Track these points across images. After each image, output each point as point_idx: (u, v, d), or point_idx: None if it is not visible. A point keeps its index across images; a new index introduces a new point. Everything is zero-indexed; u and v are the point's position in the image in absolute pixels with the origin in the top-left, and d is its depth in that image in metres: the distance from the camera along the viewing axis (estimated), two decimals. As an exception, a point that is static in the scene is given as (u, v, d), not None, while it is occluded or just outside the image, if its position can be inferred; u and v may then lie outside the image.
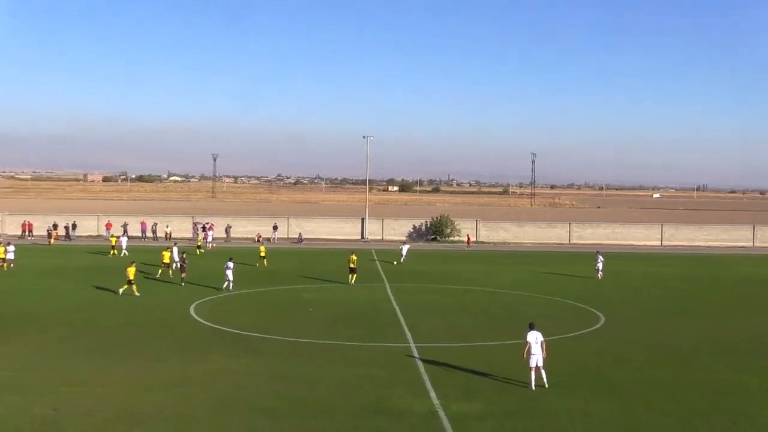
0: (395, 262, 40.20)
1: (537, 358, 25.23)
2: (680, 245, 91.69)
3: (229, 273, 47.11)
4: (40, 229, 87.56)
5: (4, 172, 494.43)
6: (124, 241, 71.78)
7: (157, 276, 52.42)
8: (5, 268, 56.23)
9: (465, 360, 29.59)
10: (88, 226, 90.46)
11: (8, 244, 60.25)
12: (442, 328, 36.06)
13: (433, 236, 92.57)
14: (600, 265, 56.78)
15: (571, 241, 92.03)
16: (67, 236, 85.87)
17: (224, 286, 46.97)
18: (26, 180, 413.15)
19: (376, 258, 68.43)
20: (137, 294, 43.24)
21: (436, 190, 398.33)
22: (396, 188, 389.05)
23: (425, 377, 26.78)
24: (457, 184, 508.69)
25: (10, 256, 57.64)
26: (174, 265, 54.52)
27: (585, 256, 67.78)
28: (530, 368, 25.26)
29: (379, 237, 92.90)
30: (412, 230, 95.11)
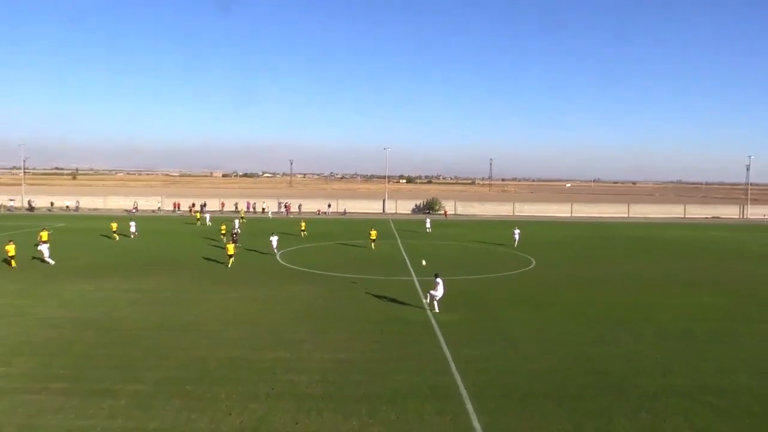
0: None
1: (440, 293, 24.25)
2: (582, 216, 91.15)
3: (274, 242, 41.81)
4: (183, 206, 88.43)
5: (159, 171, 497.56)
6: (207, 216, 68.99)
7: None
8: (131, 238, 50.07)
9: (448, 287, 29.80)
10: (214, 205, 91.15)
11: (131, 220, 54.86)
12: (431, 267, 36.21)
13: (427, 211, 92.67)
14: (516, 237, 48.15)
15: (515, 214, 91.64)
16: (202, 212, 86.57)
17: (274, 250, 41.40)
18: (175, 176, 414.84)
19: (392, 226, 68.68)
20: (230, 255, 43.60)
21: (429, 182, 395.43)
22: (404, 180, 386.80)
23: (422, 298, 27.03)
24: (443, 178, 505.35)
25: (132, 229, 51.22)
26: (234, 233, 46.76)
27: (524, 222, 67.53)
28: (434, 298, 24.30)
29: (394, 211, 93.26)
30: (414, 207, 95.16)
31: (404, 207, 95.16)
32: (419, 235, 56.30)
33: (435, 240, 52.74)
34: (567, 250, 47.16)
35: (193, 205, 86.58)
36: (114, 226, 51.09)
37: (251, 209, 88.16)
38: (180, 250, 43.69)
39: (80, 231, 56.72)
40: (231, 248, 36.45)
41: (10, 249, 34.98)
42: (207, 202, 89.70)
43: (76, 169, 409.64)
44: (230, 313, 23.65)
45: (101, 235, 51.75)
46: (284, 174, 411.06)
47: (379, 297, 27.27)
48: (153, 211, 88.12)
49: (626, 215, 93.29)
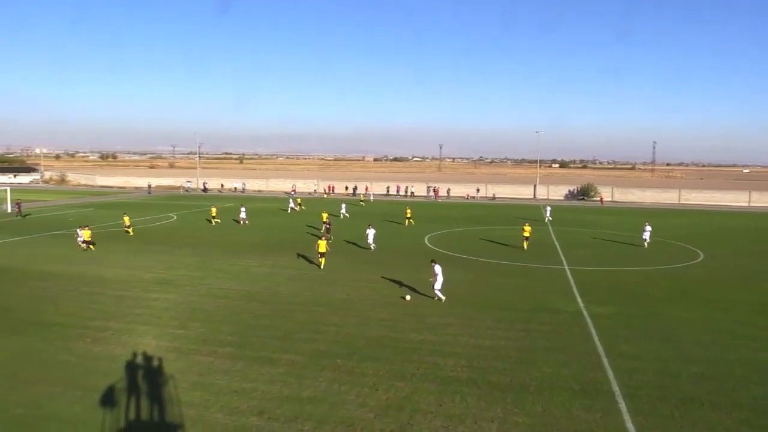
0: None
1: (439, 282, 23.21)
2: (762, 206, 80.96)
3: (370, 235, 36.34)
4: (339, 188, 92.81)
5: (315, 155, 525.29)
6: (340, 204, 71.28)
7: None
8: (241, 224, 47.94)
9: (601, 278, 28.30)
10: (364, 187, 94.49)
11: (242, 205, 52.96)
12: (585, 256, 34.57)
13: (581, 197, 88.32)
14: (647, 235, 39.07)
15: (680, 202, 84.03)
16: (354, 194, 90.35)
17: (370, 243, 36.19)
18: (329, 160, 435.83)
19: (543, 210, 66.42)
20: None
21: (584, 167, 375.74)
22: (557, 165, 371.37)
23: (574, 288, 25.94)
24: (599, 163, 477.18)
25: (243, 215, 49.07)
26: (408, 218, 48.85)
27: (691, 213, 61.72)
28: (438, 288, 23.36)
29: (545, 196, 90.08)
30: (567, 193, 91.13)
31: (557, 192, 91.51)
32: (571, 223, 53.71)
33: (588, 228, 50.12)
34: (741, 244, 42.41)
35: (346, 187, 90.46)
36: (213, 211, 53.20)
37: (403, 192, 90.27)
38: (350, 230, 45.95)
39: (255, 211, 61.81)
40: (323, 245, 30.76)
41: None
42: (357, 185, 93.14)
43: (243, 154, 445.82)
44: (378, 294, 24.48)
45: (264, 215, 56.00)
46: (433, 158, 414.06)
47: (527, 284, 26.62)
48: (309, 193, 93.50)
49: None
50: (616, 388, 14.66)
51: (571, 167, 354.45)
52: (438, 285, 23.34)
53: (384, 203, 74.88)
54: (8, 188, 64.76)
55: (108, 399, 13.84)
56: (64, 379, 14.98)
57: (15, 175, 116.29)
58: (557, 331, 19.52)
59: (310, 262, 31.60)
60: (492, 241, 40.79)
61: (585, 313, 21.77)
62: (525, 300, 23.70)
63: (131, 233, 41.64)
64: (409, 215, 50.98)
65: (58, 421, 12.79)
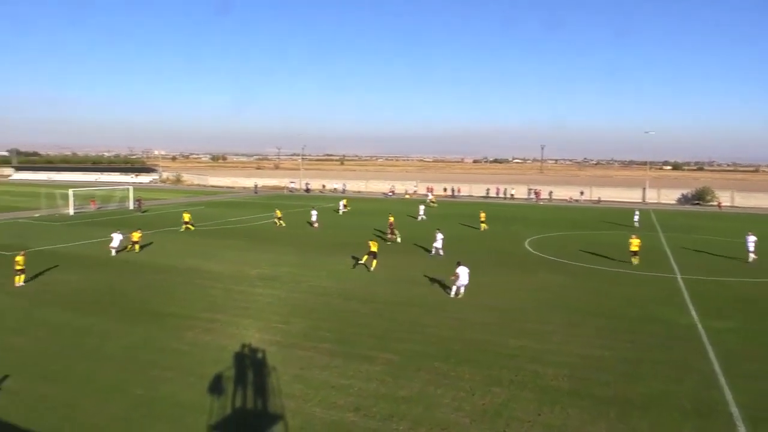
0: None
1: (463, 280, 23.84)
2: None
3: (439, 241, 34.27)
4: (437, 191, 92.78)
5: (414, 156, 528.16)
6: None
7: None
8: (314, 227, 47.04)
9: (719, 289, 26.29)
10: (463, 189, 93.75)
11: (312, 208, 52.48)
12: (700, 265, 32.22)
13: (696, 201, 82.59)
14: (751, 246, 33.32)
15: (815, 209, 76.17)
16: (453, 196, 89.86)
17: (434, 252, 34.30)
18: (428, 161, 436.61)
19: (653, 218, 62.75)
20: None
21: (700, 169, 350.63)
22: (669, 167, 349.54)
23: (687, 299, 24.30)
24: (717, 164, 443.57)
25: (314, 218, 48.40)
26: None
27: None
28: (456, 285, 23.91)
29: (656, 200, 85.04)
30: (680, 197, 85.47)
31: (668, 196, 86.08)
32: (685, 228, 50.31)
33: (703, 234, 46.70)
34: None
35: (445, 189, 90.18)
36: (277, 212, 54.89)
37: (502, 194, 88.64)
38: (427, 233, 45.97)
39: (347, 212, 63.25)
40: (374, 245, 30.05)
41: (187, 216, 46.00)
42: (457, 187, 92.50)
43: (344, 156, 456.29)
44: (475, 297, 24.16)
45: (359, 215, 57.04)
46: (534, 159, 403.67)
47: (635, 293, 25.26)
48: (407, 194, 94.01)
49: None
50: (734, 410, 13.57)
51: (684, 169, 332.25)
52: (458, 283, 23.75)
53: (456, 204, 73.83)
54: (131, 187, 70.36)
55: (216, 386, 14.67)
56: (177, 365, 16.05)
57: (136, 175, 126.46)
58: (668, 344, 18.37)
59: (407, 263, 31.78)
60: (595, 246, 39.09)
61: (700, 326, 20.31)
62: (632, 309, 22.50)
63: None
64: (483, 218, 47.69)
65: (171, 403, 13.72)
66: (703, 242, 42.69)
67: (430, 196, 78.58)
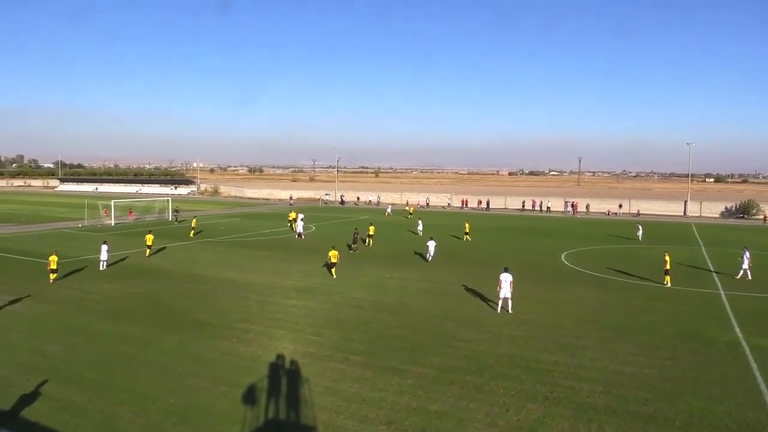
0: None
1: (505, 291, 23.36)
2: None
3: (431, 248, 36.81)
4: (471, 203, 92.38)
5: (449, 169, 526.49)
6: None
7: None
8: (296, 238, 47.48)
9: (765, 306, 25.38)
10: (498, 202, 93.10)
11: (299, 213, 53.71)
12: (745, 280, 31.15)
13: (740, 215, 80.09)
14: (746, 263, 31.79)
15: None
16: (487, 208, 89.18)
17: (431, 254, 36.65)
18: (463, 174, 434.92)
19: (695, 231, 61.07)
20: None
21: (744, 181, 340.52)
22: (712, 179, 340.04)
23: (731, 315, 23.52)
24: (762, 177, 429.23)
25: (300, 228, 48.73)
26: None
27: None
28: (500, 298, 23.60)
29: (698, 214, 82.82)
30: (723, 210, 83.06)
31: (711, 210, 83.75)
32: (727, 243, 48.75)
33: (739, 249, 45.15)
34: None
35: (479, 201, 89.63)
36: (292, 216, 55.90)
37: (538, 207, 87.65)
38: (460, 246, 45.69)
39: (382, 224, 63.42)
40: (334, 257, 31.29)
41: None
42: (491, 200, 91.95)
43: (378, 168, 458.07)
44: (510, 311, 23.90)
45: (396, 227, 57.03)
46: (572, 172, 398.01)
47: (675, 309, 24.59)
48: (443, 207, 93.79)
49: None
50: (781, 432, 13.04)
51: (728, 182, 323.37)
52: (501, 294, 23.42)
53: (444, 215, 73.00)
54: (169, 198, 72.02)
55: (249, 396, 14.80)
56: (212, 375, 16.25)
57: (176, 187, 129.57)
58: (710, 362, 17.79)
59: (441, 276, 31.62)
60: (633, 261, 38.22)
61: (744, 344, 19.63)
62: (672, 326, 21.90)
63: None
64: (467, 230, 48.97)
65: (205, 412, 13.88)
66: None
67: (389, 209, 78.37)
